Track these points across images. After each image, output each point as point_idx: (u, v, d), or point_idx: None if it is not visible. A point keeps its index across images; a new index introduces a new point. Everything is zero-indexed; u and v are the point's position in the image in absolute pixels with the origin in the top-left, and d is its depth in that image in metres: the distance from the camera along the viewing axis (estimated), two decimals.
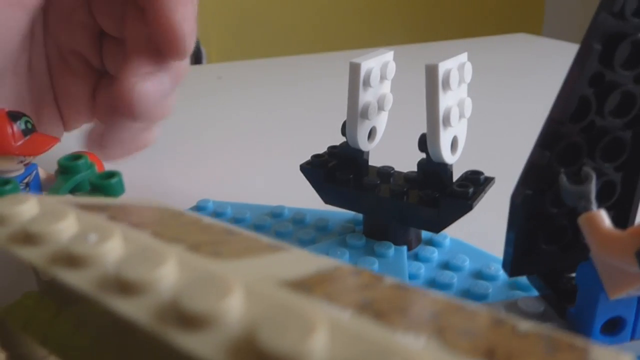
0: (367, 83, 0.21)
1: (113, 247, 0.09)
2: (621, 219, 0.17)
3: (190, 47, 0.25)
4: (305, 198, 0.25)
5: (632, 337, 0.16)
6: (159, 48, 0.25)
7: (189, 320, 0.07)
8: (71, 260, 0.09)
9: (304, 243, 0.24)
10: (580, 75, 0.15)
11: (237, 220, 0.26)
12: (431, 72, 0.19)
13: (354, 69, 0.21)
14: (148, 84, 0.25)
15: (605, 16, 0.14)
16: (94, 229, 0.09)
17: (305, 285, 0.08)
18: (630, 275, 0.14)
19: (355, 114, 0.22)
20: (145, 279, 0.08)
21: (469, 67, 0.21)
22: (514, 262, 0.17)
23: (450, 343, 0.07)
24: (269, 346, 0.06)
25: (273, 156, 0.37)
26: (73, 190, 0.16)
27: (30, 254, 0.09)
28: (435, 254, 0.23)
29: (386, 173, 0.23)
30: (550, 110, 0.16)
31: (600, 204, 0.17)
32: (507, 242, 0.17)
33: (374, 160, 0.24)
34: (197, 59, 1.06)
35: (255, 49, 1.34)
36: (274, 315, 0.07)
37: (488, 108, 0.47)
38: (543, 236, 0.17)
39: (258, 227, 0.26)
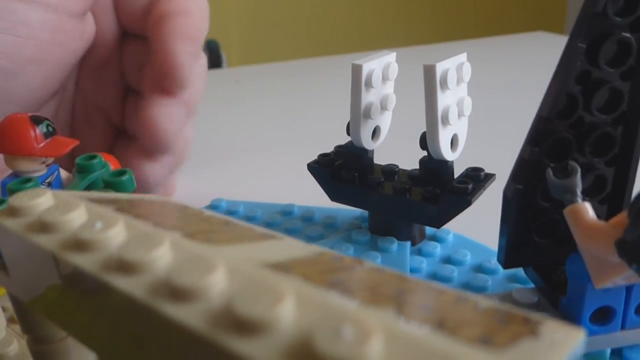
0: (369, 84, 0.22)
1: (116, 234, 0.10)
2: (614, 213, 0.18)
3: (186, 79, 0.26)
4: (315, 196, 0.26)
5: (623, 327, 0.17)
6: (159, 77, 0.26)
7: (178, 294, 0.08)
8: (79, 245, 0.10)
9: (312, 239, 0.25)
10: (567, 73, 0.16)
11: (248, 219, 0.27)
12: (429, 72, 0.20)
13: (356, 70, 0.22)
14: (163, 110, 0.26)
15: (588, 16, 0.15)
16: (101, 218, 0.10)
17: (284, 267, 0.09)
18: (613, 265, 0.14)
19: (358, 114, 0.23)
20: (142, 260, 0.09)
21: (467, 66, 0.21)
22: (508, 254, 0.18)
23: (406, 314, 0.08)
24: (243, 313, 0.07)
25: (284, 156, 0.38)
26: (89, 187, 0.17)
27: (45, 241, 0.10)
28: (437, 249, 0.23)
29: (390, 171, 0.24)
30: (538, 107, 0.16)
31: (592, 198, 0.18)
32: (501, 235, 0.18)
33: (380, 159, 0.25)
34: (216, 63, 1.08)
35: (275, 52, 1.36)
36: (249, 288, 0.08)
37: (504, 107, 0.47)
38: (535, 229, 0.18)
39: (269, 225, 0.27)
